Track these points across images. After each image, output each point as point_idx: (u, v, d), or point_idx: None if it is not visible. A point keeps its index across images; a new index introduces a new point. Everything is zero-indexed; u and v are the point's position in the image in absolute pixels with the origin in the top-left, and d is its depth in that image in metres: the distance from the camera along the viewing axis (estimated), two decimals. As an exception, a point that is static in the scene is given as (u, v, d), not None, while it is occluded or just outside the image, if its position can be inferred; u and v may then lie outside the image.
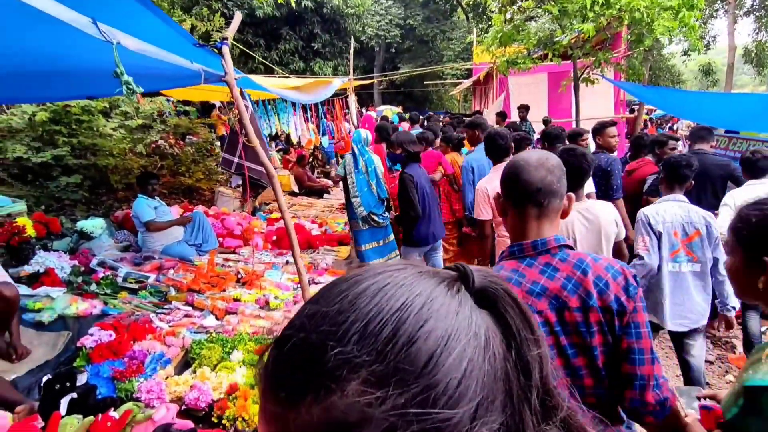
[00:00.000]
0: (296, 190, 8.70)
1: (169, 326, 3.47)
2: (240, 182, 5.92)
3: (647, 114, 14.04)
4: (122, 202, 6.47)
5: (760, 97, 4.10)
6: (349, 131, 10.16)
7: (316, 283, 4.65)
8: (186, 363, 3.09)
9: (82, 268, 4.31)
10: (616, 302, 1.24)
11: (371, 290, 0.42)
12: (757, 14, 17.97)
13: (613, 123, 4.58)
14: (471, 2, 20.72)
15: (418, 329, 0.39)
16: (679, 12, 5.66)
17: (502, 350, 0.42)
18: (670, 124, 15.72)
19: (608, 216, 2.43)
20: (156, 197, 4.95)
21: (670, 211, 2.73)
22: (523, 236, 1.36)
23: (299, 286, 4.41)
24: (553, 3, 6.15)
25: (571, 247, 1.36)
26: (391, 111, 15.87)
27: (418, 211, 4.04)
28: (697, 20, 5.84)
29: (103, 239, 4.96)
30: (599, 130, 4.50)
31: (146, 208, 4.73)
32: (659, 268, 2.72)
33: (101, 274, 4.22)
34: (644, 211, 2.81)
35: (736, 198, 3.28)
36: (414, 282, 0.43)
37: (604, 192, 3.92)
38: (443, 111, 22.98)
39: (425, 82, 21.99)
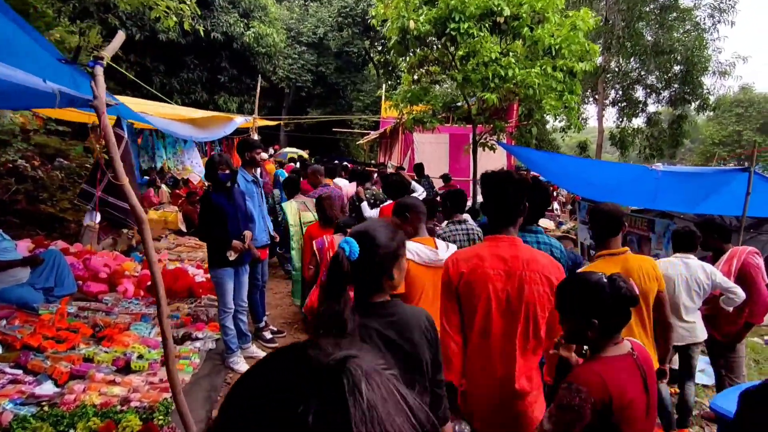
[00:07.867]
0: (184, 229, 7.93)
1: (-14, 397, 2.74)
2: (99, 218, 5.23)
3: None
4: (-45, 231, 5.33)
5: (639, 168, 4.46)
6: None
7: (192, 339, 4.10)
8: (0, 449, 2.42)
9: None
10: None
11: None
12: (620, 105, 21.09)
13: None
14: (381, 59, 21.63)
15: None
16: (563, 94, 6.37)
17: None
18: (551, 189, 17.41)
19: None
20: (-2, 230, 4.11)
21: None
22: None
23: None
24: (457, 71, 6.53)
25: None
26: (296, 154, 15.64)
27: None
28: (576, 103, 6.60)
29: None
30: None
31: (-19, 242, 3.88)
32: None
33: None
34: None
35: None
36: None
37: None
38: (350, 158, 23.20)
39: (333, 129, 22.15)
